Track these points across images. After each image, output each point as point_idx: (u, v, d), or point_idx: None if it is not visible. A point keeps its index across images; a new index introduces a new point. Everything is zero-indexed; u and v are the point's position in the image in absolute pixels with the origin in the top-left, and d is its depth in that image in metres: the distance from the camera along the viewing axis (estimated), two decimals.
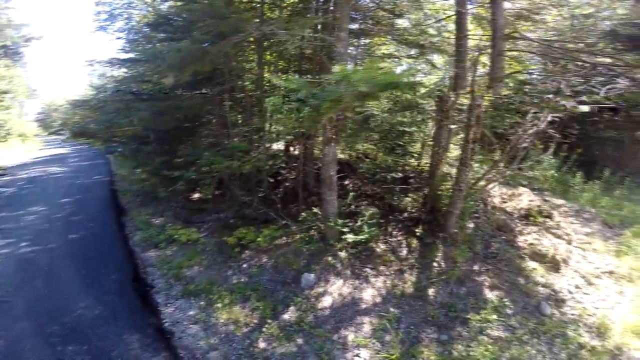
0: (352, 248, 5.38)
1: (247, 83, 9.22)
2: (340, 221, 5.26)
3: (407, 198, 6.55)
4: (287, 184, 8.76)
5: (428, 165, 6.21)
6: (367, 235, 5.02)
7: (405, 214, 6.03)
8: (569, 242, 5.86)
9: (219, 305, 4.68)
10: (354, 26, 8.23)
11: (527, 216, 6.07)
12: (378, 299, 4.80)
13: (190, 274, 5.53)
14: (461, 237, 5.28)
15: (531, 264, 5.26)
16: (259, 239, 5.47)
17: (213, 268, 5.71)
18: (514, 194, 6.72)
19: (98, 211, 8.89)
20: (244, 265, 5.69)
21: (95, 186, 11.96)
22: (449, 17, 7.99)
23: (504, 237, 5.66)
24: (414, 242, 5.42)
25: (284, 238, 6.02)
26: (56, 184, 12.17)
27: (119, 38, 16.18)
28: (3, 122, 15.07)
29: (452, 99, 5.18)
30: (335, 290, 4.97)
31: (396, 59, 9.47)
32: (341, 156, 10.01)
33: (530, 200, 6.37)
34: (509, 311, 4.47)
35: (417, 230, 5.47)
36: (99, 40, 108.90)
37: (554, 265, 5.34)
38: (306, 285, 5.09)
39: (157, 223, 7.63)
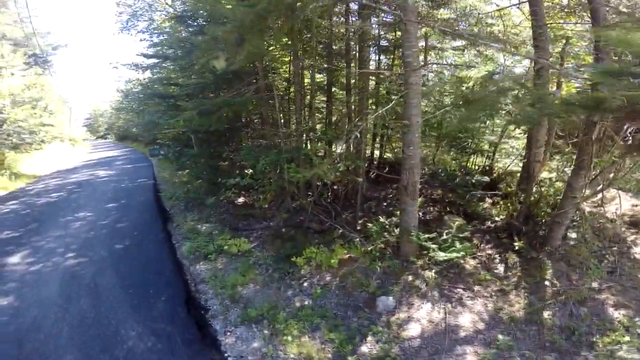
0: (434, 265, 4.25)
1: (279, 81, 8.15)
2: (423, 235, 4.11)
3: (483, 204, 5.34)
4: (335, 187, 7.66)
5: (521, 168, 4.94)
6: (461, 253, 3.86)
7: (489, 223, 4.83)
8: None
9: (288, 337, 3.65)
10: (389, 18, 7.06)
11: (635, 224, 4.76)
12: (480, 325, 3.69)
13: (247, 294, 4.54)
14: (574, 251, 4.05)
15: None
16: (332, 261, 4.34)
17: (271, 287, 4.71)
18: (605, 198, 5.40)
19: (143, 217, 8.06)
20: (305, 284, 4.66)
21: (139, 190, 11.24)
22: (516, 5, 6.68)
23: (615, 248, 4.40)
24: (512, 257, 4.22)
25: (346, 252, 4.92)
26: (102, 188, 11.55)
27: (142, 40, 15.18)
28: (38, 130, 14.41)
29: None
30: (423, 315, 3.87)
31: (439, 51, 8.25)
32: (389, 155, 8.85)
33: (634, 205, 5.05)
34: None
35: (515, 244, 4.25)
36: (123, 43, 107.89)
37: None
38: (384, 311, 4.01)
39: (203, 230, 6.71)
